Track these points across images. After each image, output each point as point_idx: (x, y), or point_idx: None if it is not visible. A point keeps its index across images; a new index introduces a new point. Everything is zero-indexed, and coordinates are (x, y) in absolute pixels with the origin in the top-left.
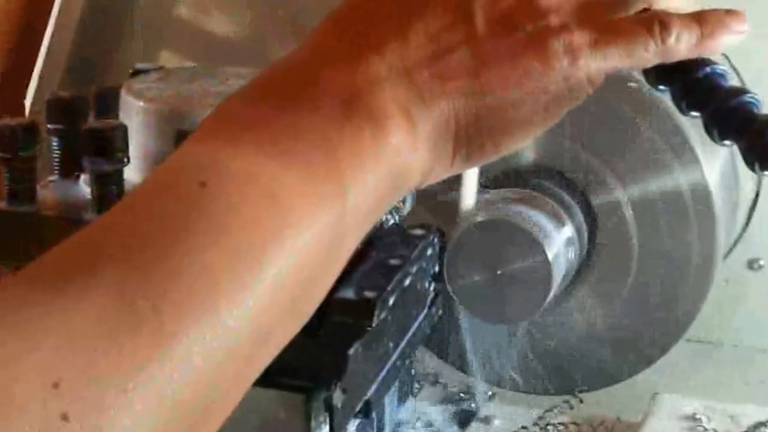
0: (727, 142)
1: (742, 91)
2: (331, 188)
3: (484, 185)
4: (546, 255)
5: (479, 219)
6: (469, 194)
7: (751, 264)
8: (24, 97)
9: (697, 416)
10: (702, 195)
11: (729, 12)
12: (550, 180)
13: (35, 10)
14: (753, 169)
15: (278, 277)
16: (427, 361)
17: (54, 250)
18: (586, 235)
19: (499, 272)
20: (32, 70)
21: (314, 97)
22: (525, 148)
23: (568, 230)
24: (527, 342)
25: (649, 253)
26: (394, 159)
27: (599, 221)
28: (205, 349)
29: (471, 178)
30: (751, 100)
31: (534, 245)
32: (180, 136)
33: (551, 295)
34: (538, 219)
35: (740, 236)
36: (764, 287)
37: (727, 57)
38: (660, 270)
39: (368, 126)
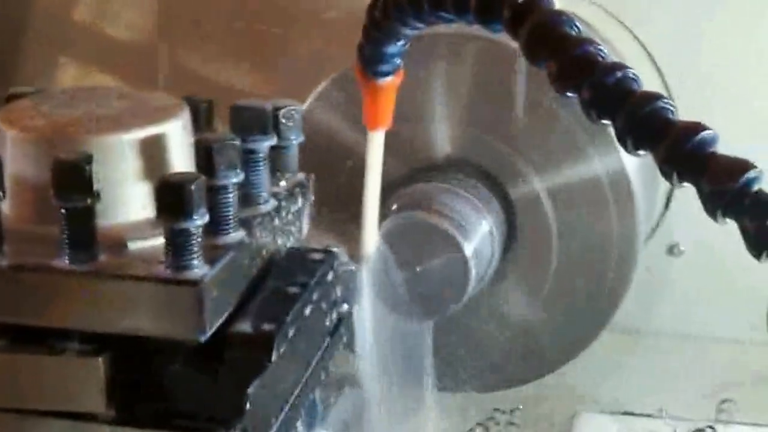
0: (641, 152)
1: (656, 96)
2: None
3: (399, 181)
4: (463, 251)
5: (395, 220)
6: (371, 222)
7: (672, 249)
8: None
9: None
10: (620, 181)
11: None
12: (467, 173)
13: None
14: (671, 181)
15: None
16: None
17: None
18: (505, 227)
19: (418, 269)
20: None
21: None
22: (438, 141)
23: (486, 224)
24: (454, 339)
25: (568, 242)
26: None
27: (518, 213)
28: None
29: (372, 204)
30: (667, 106)
31: (450, 242)
32: (57, 166)
33: (471, 290)
34: (454, 214)
35: (659, 221)
36: (685, 272)
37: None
38: (581, 259)
39: None
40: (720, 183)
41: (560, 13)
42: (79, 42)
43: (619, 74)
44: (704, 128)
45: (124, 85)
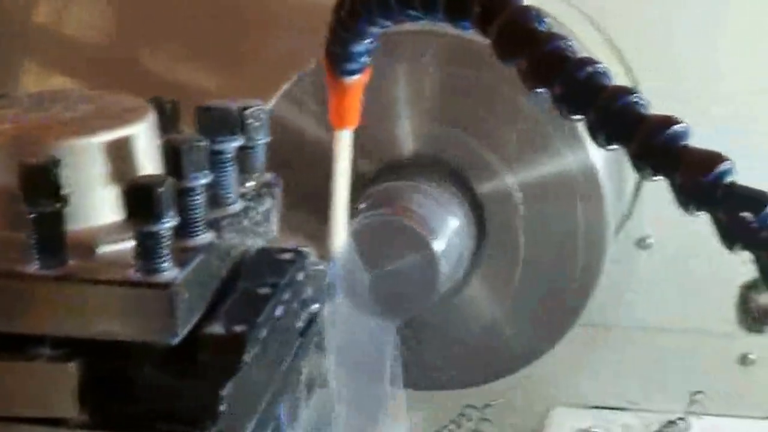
0: (614, 147)
1: (628, 90)
2: None
3: (367, 180)
4: (432, 249)
5: (363, 220)
6: (340, 221)
7: (640, 242)
8: None
9: (593, 429)
10: (589, 174)
11: None
12: (435, 169)
13: None
14: (643, 175)
15: None
16: None
17: None
18: (474, 224)
19: (387, 269)
20: None
21: None
22: (406, 138)
23: (455, 221)
24: (424, 337)
25: (538, 237)
26: None
27: (486, 208)
28: None
29: (341, 204)
30: (638, 100)
31: (419, 240)
32: (24, 170)
33: (441, 287)
34: (423, 212)
35: (628, 214)
36: (655, 265)
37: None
38: (550, 254)
39: None
40: (693, 176)
41: (530, 9)
42: (40, 45)
43: (590, 69)
44: (676, 121)
45: (87, 88)
